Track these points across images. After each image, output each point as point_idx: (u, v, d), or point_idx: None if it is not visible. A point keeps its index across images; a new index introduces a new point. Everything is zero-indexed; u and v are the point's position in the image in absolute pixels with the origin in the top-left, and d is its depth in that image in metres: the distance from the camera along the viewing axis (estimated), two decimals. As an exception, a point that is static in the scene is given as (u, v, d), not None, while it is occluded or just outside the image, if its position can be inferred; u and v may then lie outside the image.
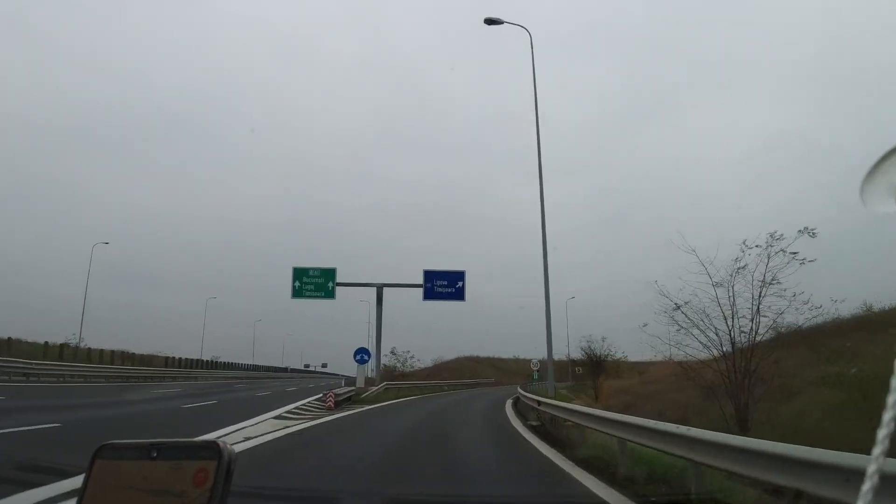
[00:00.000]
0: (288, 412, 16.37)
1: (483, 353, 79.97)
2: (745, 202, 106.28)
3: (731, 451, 4.58)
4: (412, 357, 59.58)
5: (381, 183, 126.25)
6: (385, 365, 60.55)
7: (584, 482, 6.77)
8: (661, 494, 5.98)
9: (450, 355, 75.96)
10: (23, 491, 4.58)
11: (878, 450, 0.72)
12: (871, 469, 0.71)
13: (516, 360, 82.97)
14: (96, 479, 0.93)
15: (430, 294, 33.23)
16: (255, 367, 70.24)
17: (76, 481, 3.91)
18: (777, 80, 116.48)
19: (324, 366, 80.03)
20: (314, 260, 65.89)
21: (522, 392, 23.30)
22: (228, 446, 0.90)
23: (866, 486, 0.71)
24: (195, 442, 0.92)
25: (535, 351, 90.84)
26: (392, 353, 58.05)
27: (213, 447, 0.89)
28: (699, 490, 5.31)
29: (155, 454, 0.91)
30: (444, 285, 33.34)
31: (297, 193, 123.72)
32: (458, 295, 33.40)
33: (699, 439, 5.06)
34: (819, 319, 13.66)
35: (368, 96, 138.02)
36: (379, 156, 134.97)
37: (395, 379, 49.70)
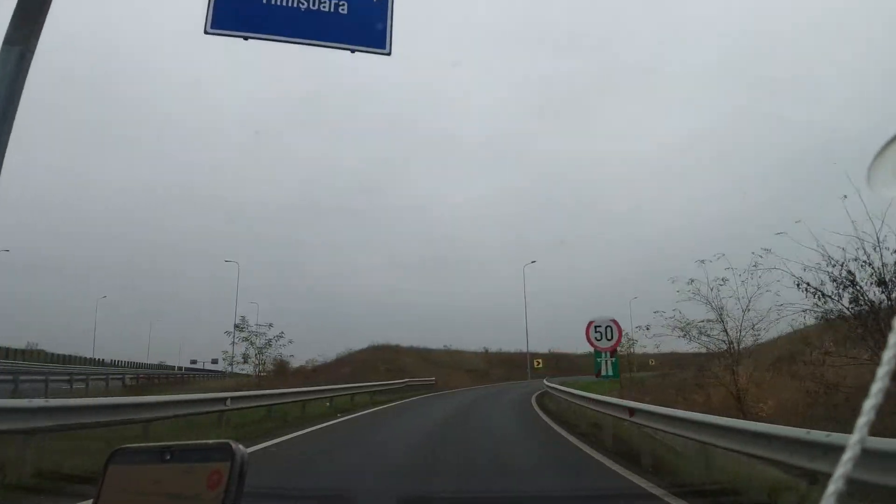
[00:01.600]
0: None
1: (405, 343, 54.68)
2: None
3: None
4: (280, 338, 31.83)
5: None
6: (262, 355, 30.05)
7: None
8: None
9: (360, 345, 51.78)
10: None
11: (862, 420, 0.72)
12: (854, 439, 0.71)
13: (449, 352, 60.14)
14: (110, 484, 0.91)
15: (234, 9, 7.24)
16: (100, 362, 55.72)
17: None
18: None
19: (214, 362, 60.86)
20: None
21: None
22: (241, 447, 0.88)
23: (847, 454, 0.71)
24: (207, 444, 0.90)
25: (467, 341, 67.80)
26: (238, 327, 30.83)
27: (226, 448, 0.87)
28: None
29: (168, 457, 0.90)
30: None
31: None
32: (371, 36, 7.26)
33: None
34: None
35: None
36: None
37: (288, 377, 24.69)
